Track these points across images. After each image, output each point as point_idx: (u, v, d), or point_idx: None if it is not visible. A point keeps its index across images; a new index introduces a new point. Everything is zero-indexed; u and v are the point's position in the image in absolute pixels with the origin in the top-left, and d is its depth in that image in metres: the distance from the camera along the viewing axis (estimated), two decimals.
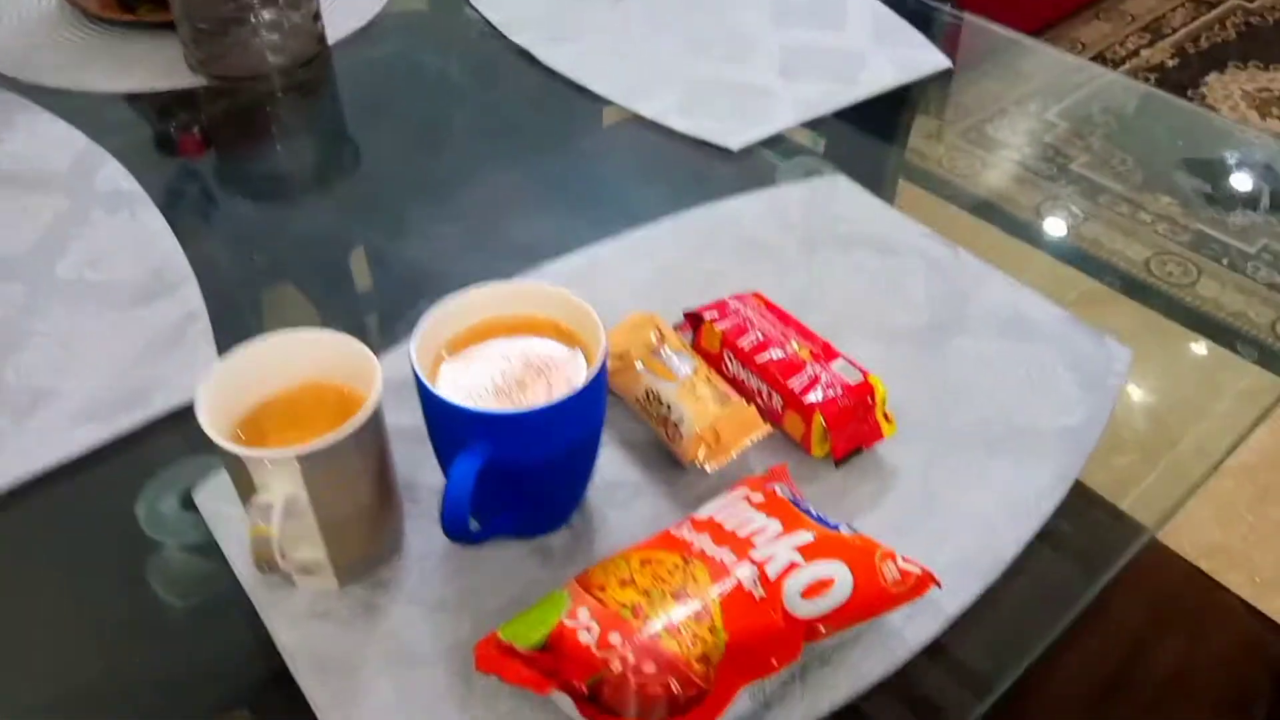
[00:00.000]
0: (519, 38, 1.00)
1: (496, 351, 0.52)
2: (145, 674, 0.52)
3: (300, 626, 0.52)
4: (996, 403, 0.64)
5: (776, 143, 0.88)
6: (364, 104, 0.98)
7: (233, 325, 0.69)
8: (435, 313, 0.51)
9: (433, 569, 0.55)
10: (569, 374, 0.51)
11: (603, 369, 0.49)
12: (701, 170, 0.86)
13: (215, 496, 0.58)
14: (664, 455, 0.60)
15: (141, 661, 0.53)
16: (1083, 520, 0.60)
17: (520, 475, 0.50)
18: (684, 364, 0.60)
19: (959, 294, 0.72)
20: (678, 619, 0.44)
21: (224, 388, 0.49)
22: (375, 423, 0.49)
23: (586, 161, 0.89)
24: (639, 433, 0.62)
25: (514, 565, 0.55)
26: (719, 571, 0.46)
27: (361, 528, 0.52)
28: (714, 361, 0.64)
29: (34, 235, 0.76)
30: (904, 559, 0.49)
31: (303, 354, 0.52)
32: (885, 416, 0.60)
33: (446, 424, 0.48)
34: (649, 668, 0.43)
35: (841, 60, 0.99)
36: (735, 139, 0.87)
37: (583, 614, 0.45)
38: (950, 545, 0.56)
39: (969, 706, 0.50)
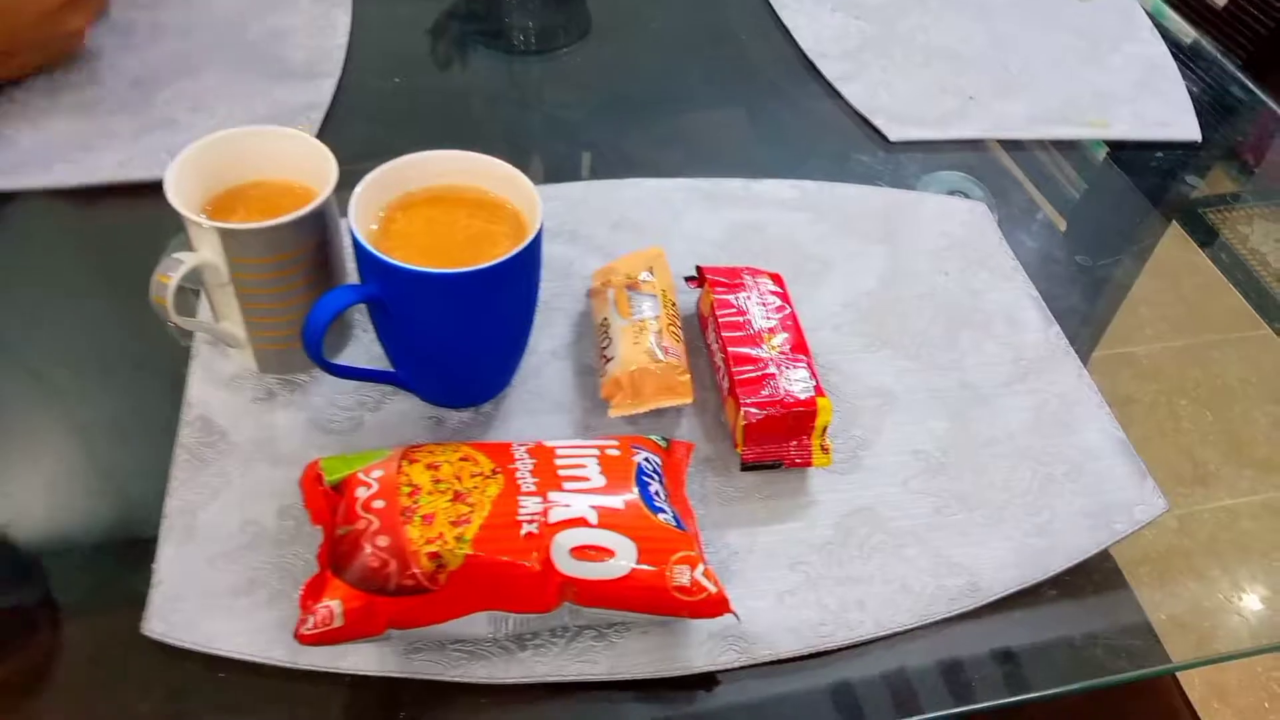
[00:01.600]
0: None
1: (444, 215, 0.53)
2: (105, 364, 0.60)
3: (208, 384, 0.57)
4: (967, 485, 0.57)
5: (956, 150, 0.81)
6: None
7: (342, 132, 0.75)
8: (404, 163, 0.53)
9: (340, 394, 0.58)
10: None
11: (498, 269, 0.48)
12: (850, 149, 0.80)
13: None
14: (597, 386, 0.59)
15: (104, 357, 0.61)
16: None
17: (413, 335, 0.52)
18: (648, 308, 0.58)
19: (1019, 367, 0.64)
20: (438, 514, 0.44)
21: (209, 162, 0.54)
22: (308, 229, 0.52)
23: (755, 106, 0.85)
24: (590, 357, 0.61)
25: (408, 421, 0.57)
26: (509, 493, 0.45)
27: (283, 324, 0.56)
28: (703, 323, 0.62)
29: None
30: (706, 573, 0.46)
31: (287, 151, 0.55)
32: (822, 446, 0.55)
33: (359, 257, 0.50)
34: (382, 541, 0.43)
35: (1077, 89, 0.87)
36: (898, 130, 0.80)
37: (375, 474, 0.46)
38: (804, 599, 0.51)
39: None
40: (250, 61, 0.80)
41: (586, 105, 0.84)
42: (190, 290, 0.61)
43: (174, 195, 0.51)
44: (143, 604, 0.48)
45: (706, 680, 0.49)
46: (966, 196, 0.77)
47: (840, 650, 0.50)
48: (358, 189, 0.51)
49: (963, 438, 0.59)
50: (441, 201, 0.53)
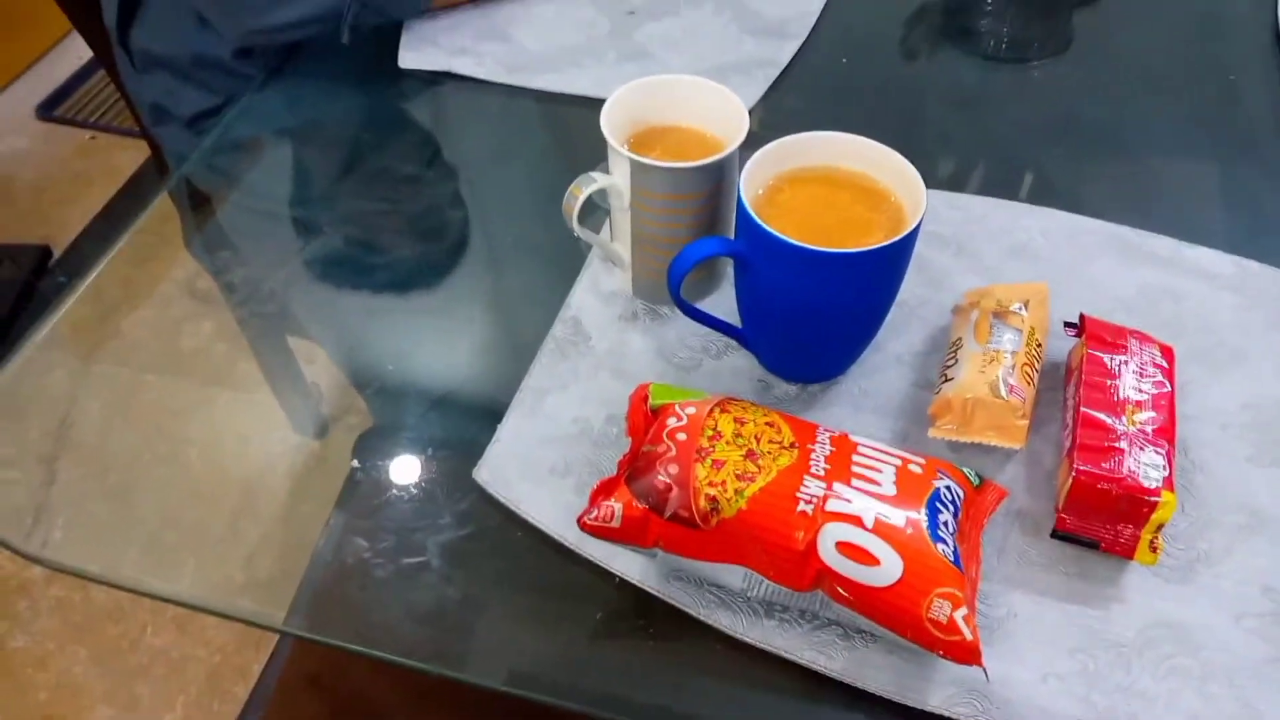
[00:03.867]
0: None
1: (828, 194, 0.54)
2: (522, 248, 0.71)
3: (590, 292, 0.65)
4: None
5: None
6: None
7: (780, 94, 0.79)
8: (802, 138, 0.55)
9: (691, 335, 0.62)
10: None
11: (861, 257, 0.48)
12: None
13: None
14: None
15: (523, 243, 0.71)
16: None
17: (764, 299, 0.54)
18: (1008, 341, 0.55)
19: None
20: (728, 463, 0.47)
21: (643, 100, 0.60)
22: (706, 178, 0.56)
23: (1220, 162, 0.75)
24: (933, 374, 0.59)
25: (740, 376, 0.60)
26: (798, 469, 0.47)
27: (664, 257, 0.60)
28: (1069, 375, 0.58)
29: None
30: (967, 618, 0.44)
31: (711, 103, 0.59)
32: (1152, 543, 0.49)
33: (738, 214, 0.53)
34: (671, 468, 0.47)
35: None
36: None
37: (689, 410, 0.50)
38: (1071, 689, 0.47)
39: None
40: (733, 9, 0.87)
41: (1029, 122, 0.79)
42: (604, 210, 0.69)
43: (606, 123, 0.57)
44: (480, 454, 0.57)
45: None
46: None
47: None
48: (755, 155, 0.54)
49: None
50: (829, 181, 0.55)
